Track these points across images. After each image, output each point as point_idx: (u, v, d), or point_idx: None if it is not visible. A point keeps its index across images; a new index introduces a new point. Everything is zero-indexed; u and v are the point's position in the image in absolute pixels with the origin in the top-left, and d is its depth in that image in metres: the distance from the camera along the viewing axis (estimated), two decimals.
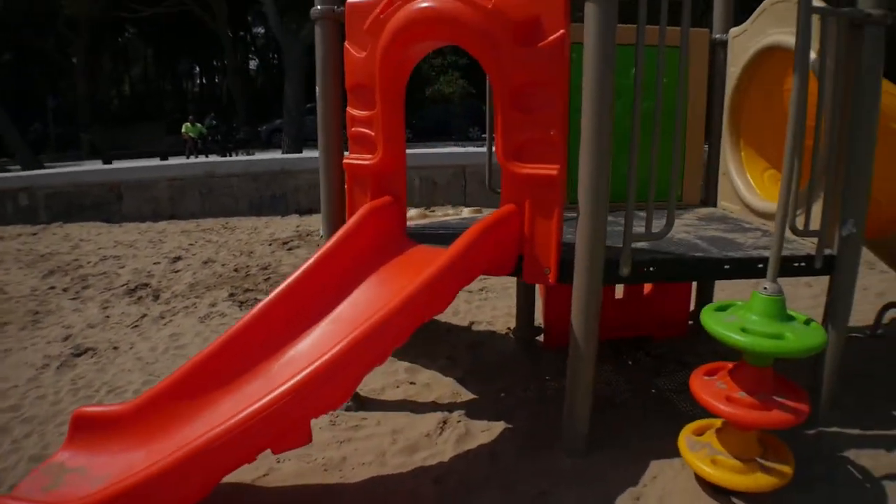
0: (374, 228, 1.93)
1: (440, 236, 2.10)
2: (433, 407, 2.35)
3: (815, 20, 1.79)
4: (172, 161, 10.19)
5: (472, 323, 3.29)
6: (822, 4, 1.81)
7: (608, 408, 2.30)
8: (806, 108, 1.77)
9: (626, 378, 2.58)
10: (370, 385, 2.56)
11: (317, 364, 1.45)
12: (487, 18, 1.63)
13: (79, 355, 2.99)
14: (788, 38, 2.01)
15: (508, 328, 3.14)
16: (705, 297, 2.95)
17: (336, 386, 1.45)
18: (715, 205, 2.78)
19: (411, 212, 3.24)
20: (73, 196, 6.52)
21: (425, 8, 1.67)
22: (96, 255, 5.17)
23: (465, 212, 5.74)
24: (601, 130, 1.61)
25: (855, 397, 2.28)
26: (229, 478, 1.87)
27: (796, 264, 1.98)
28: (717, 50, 2.63)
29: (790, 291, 3.28)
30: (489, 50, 1.66)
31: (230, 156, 12.00)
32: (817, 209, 1.95)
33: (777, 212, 1.67)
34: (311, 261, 1.83)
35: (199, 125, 16.32)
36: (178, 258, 4.99)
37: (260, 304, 1.81)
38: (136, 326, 3.43)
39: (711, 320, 1.65)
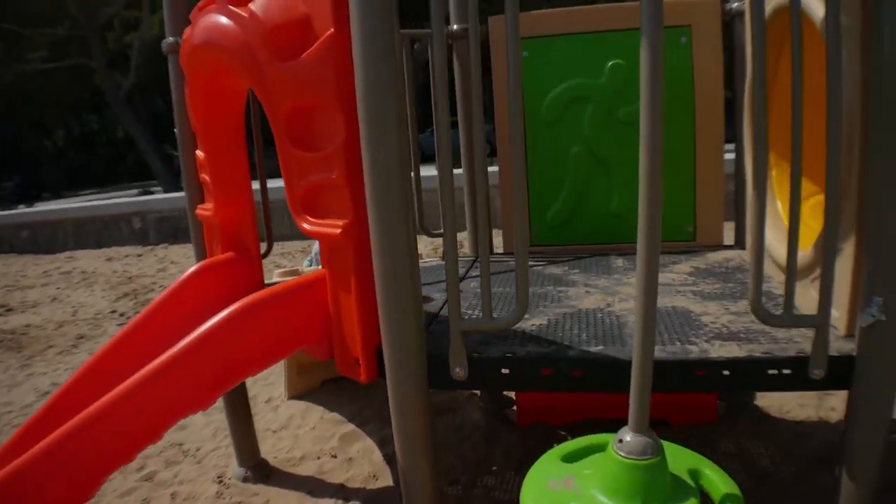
0: (211, 291, 1.76)
1: None
2: (333, 491, 2.10)
3: None
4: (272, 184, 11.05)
5: None
6: None
7: None
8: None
9: None
10: (294, 452, 2.38)
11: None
12: (244, 30, 1.31)
13: None
14: None
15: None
16: None
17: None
18: (744, 245, 2.11)
19: None
20: (179, 219, 7.35)
21: (199, 31, 1.43)
22: (174, 278, 5.72)
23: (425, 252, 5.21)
24: (376, 159, 1.17)
25: None
26: None
27: (773, 371, 1.22)
28: (736, 25, 1.98)
29: None
30: (251, 70, 1.33)
31: None
32: (816, 276, 1.32)
33: (637, 278, 0.98)
34: (124, 329, 1.72)
35: None
36: None
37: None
38: None
39: (530, 482, 1.13)
